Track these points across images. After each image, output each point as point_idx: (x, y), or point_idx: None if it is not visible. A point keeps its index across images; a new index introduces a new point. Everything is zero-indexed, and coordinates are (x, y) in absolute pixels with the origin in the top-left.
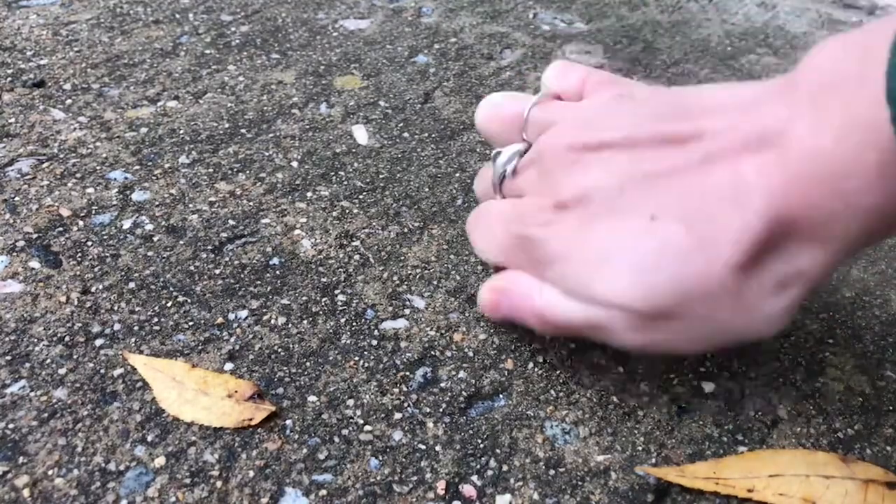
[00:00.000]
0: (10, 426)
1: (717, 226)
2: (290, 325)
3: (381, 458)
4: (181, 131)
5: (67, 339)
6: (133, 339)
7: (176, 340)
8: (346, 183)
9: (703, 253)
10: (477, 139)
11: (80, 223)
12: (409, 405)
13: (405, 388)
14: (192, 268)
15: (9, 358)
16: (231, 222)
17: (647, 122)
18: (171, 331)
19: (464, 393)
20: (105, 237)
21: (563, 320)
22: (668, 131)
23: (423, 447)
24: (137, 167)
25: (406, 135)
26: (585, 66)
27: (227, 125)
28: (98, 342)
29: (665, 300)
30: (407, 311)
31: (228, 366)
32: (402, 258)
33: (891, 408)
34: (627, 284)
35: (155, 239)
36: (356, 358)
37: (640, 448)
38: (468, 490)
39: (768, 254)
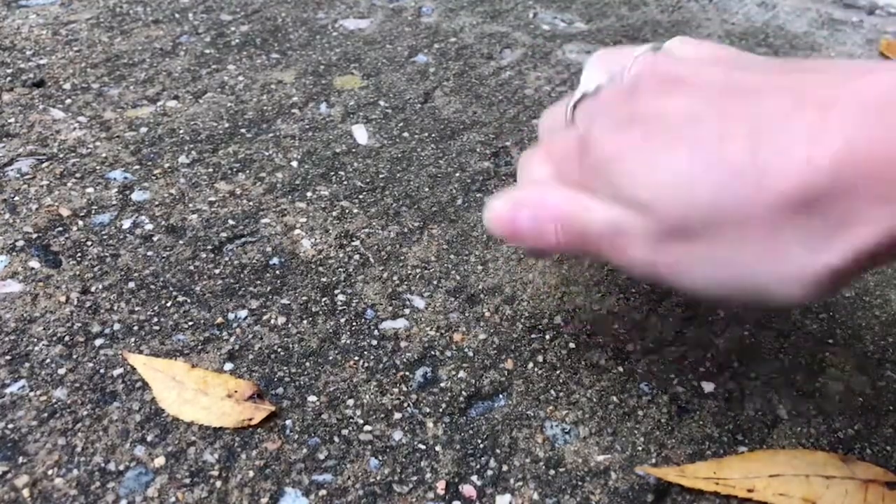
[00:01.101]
0: (10, 426)
1: (782, 157)
2: (289, 325)
3: (381, 458)
4: (181, 131)
5: (67, 338)
6: (133, 339)
7: (176, 340)
8: (346, 183)
9: (757, 177)
10: (477, 139)
11: (80, 223)
12: (409, 405)
13: (405, 388)
14: (191, 268)
15: (8, 358)
16: (231, 222)
17: (743, 70)
18: (171, 331)
19: (464, 393)
20: (105, 237)
21: (584, 223)
22: (762, 78)
23: (423, 447)
24: (137, 167)
25: (406, 135)
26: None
27: (226, 125)
28: (98, 342)
29: (701, 212)
30: (407, 311)
31: (228, 366)
32: (402, 258)
33: (891, 408)
34: (670, 187)
35: (155, 239)
36: (356, 358)
37: (640, 448)
38: (468, 490)
39: (826, 204)
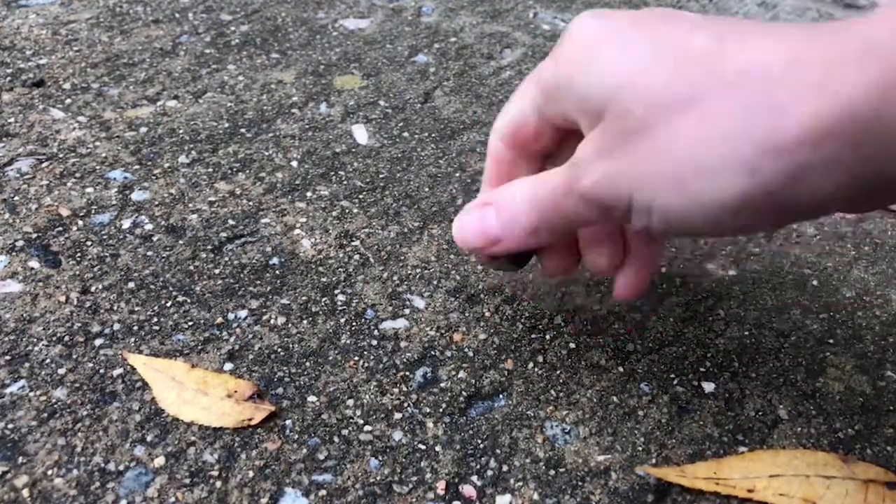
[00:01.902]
0: (10, 426)
1: (740, 44)
2: (289, 325)
3: (381, 458)
4: (181, 131)
5: (67, 338)
6: (133, 339)
7: (175, 340)
8: (346, 183)
9: (717, 59)
10: (477, 139)
11: (80, 223)
12: (409, 405)
13: (405, 388)
14: (191, 268)
15: (8, 358)
16: (231, 222)
17: None
18: (171, 331)
19: (464, 393)
20: (105, 237)
21: (546, 190)
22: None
23: (423, 447)
24: (137, 167)
25: (406, 134)
26: None
27: (226, 125)
28: (97, 342)
29: (655, 98)
30: (407, 311)
31: (228, 366)
32: (402, 258)
33: (891, 408)
34: (626, 82)
35: (154, 239)
36: (356, 358)
37: (640, 448)
38: (468, 490)
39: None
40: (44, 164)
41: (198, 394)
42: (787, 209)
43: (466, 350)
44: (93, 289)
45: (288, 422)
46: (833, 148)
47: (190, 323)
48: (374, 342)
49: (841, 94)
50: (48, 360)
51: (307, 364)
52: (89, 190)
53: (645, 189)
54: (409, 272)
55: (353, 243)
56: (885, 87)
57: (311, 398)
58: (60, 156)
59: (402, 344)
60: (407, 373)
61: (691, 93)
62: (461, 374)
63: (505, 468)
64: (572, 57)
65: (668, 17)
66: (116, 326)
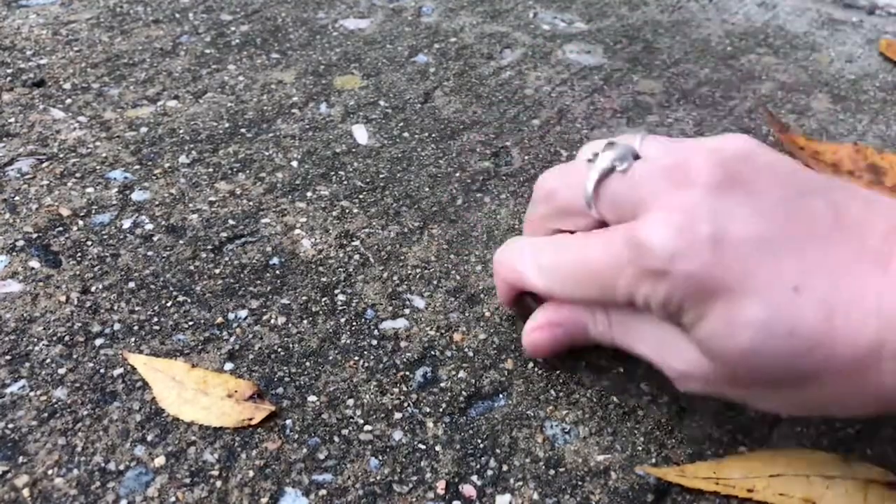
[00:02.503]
0: (10, 426)
1: (853, 320)
2: (289, 325)
3: (381, 457)
4: (181, 131)
5: (67, 338)
6: (133, 339)
7: (176, 340)
8: (346, 183)
9: (832, 343)
10: (477, 139)
11: (80, 223)
12: (409, 405)
13: (405, 388)
14: (191, 267)
15: (8, 358)
16: (231, 222)
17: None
18: (171, 330)
19: (464, 393)
20: (105, 237)
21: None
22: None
23: (423, 447)
24: (137, 167)
25: (406, 134)
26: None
27: (227, 125)
28: (98, 342)
29: (775, 374)
30: (407, 311)
31: (228, 366)
32: (402, 258)
33: None
34: (743, 347)
35: (155, 239)
36: (356, 358)
37: (640, 448)
38: (468, 490)
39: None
40: (44, 164)
41: (198, 394)
42: None
43: (466, 350)
44: (93, 289)
45: (288, 421)
46: None
47: (190, 323)
48: (374, 342)
49: None
50: (48, 360)
51: (307, 364)
52: (89, 190)
53: (757, 407)
54: (409, 272)
55: (353, 243)
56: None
57: (312, 398)
58: (61, 156)
59: (402, 344)
60: (407, 373)
61: (811, 375)
62: (461, 374)
63: (505, 468)
64: (687, 290)
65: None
66: (117, 326)
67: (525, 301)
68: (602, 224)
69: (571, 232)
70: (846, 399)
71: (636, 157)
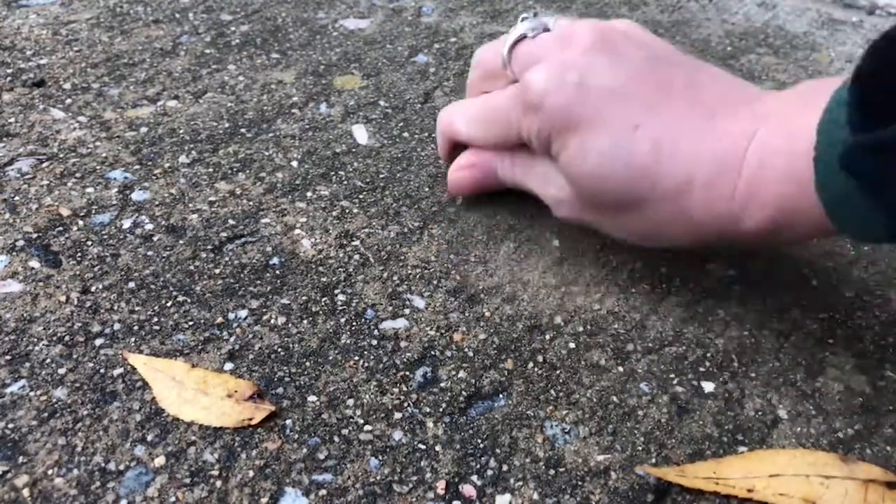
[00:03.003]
0: (10, 426)
1: (676, 158)
2: (290, 325)
3: (381, 457)
4: (181, 131)
5: (67, 338)
6: (133, 339)
7: (176, 340)
8: (346, 183)
9: (658, 176)
10: None
11: (80, 223)
12: (409, 405)
13: (405, 388)
14: (191, 267)
15: (8, 357)
16: (231, 222)
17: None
18: (171, 330)
19: (464, 393)
20: (105, 237)
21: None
22: (674, 72)
23: (423, 447)
24: (137, 167)
25: (406, 134)
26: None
27: (227, 125)
28: (98, 342)
29: (612, 197)
30: (407, 311)
31: (228, 366)
32: (402, 258)
33: (891, 408)
34: (588, 175)
35: (155, 239)
36: (356, 358)
37: (640, 448)
38: (468, 490)
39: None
40: (44, 164)
41: (198, 394)
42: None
43: (466, 350)
44: (93, 289)
45: (288, 421)
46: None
47: (190, 323)
48: (374, 342)
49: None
50: (48, 360)
51: (307, 364)
52: (89, 190)
53: (608, 231)
54: (409, 272)
55: (353, 243)
56: (776, 222)
57: (311, 398)
58: (61, 156)
59: (402, 344)
60: (407, 373)
61: (641, 200)
62: (461, 374)
63: (505, 468)
64: (553, 122)
65: (624, 98)
66: (117, 326)
67: (455, 155)
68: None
69: None
70: (669, 223)
71: (547, 29)
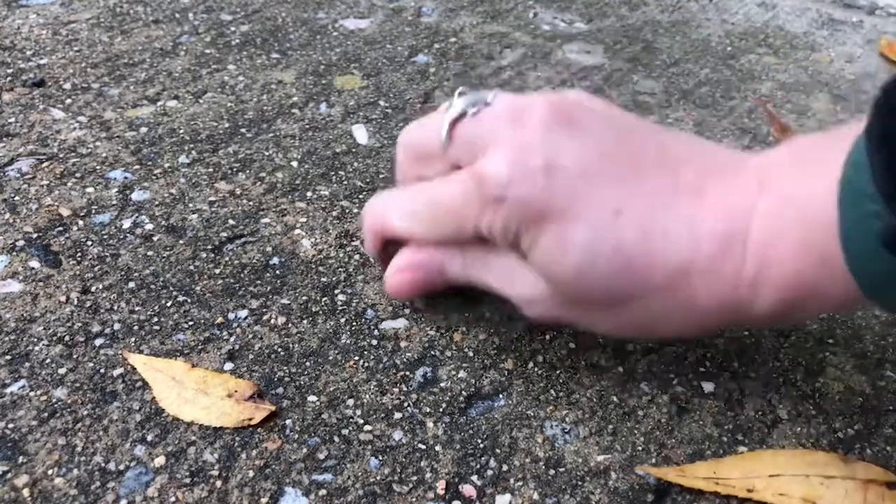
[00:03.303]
0: (10, 426)
1: (668, 240)
2: (289, 325)
3: (381, 457)
4: (181, 131)
5: (67, 338)
6: (133, 339)
7: (176, 340)
8: (346, 182)
9: (649, 261)
10: None
11: (80, 223)
12: (409, 405)
13: (405, 388)
14: (191, 267)
15: (8, 357)
16: (231, 222)
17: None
18: (171, 330)
19: (464, 393)
20: (105, 237)
21: (487, 287)
22: (641, 145)
23: (423, 447)
24: (137, 167)
25: None
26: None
27: (227, 125)
28: (98, 342)
29: (600, 293)
30: (407, 311)
31: (228, 365)
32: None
33: (891, 408)
34: (572, 268)
35: (155, 238)
36: (356, 358)
37: (640, 448)
38: (468, 490)
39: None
40: (44, 164)
41: (198, 393)
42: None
43: (466, 350)
44: (93, 289)
45: (288, 421)
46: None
47: (190, 323)
48: (374, 342)
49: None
50: (48, 360)
51: (307, 364)
52: (90, 190)
53: (590, 329)
54: None
55: (354, 243)
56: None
57: (311, 398)
58: (61, 156)
59: (402, 344)
60: (407, 373)
61: (631, 294)
62: (461, 374)
63: (505, 468)
64: (521, 215)
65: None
66: (117, 326)
67: (389, 250)
68: (458, 169)
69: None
70: (666, 316)
71: (488, 104)
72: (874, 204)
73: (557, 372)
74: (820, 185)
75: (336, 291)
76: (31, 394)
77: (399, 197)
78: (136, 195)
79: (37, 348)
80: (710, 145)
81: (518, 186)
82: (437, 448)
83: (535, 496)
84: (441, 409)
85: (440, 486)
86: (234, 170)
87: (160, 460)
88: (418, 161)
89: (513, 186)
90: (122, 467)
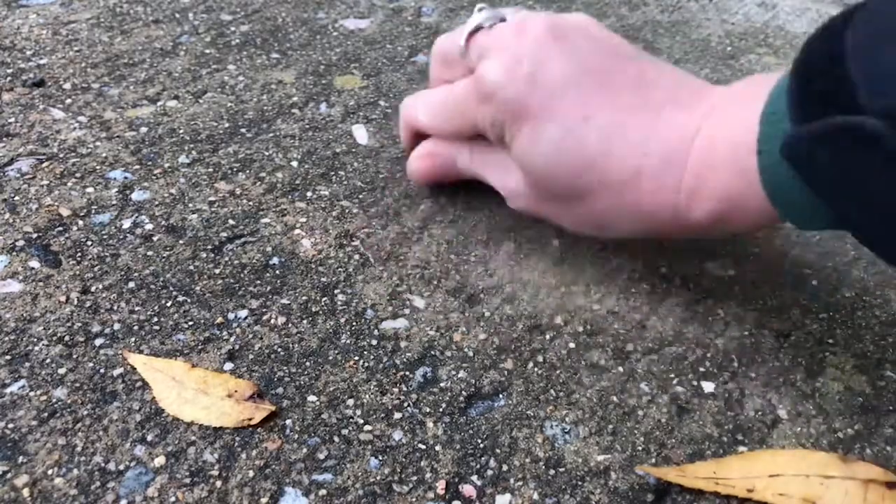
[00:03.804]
0: (10, 426)
1: (625, 149)
2: (289, 325)
3: (380, 457)
4: (181, 131)
5: (67, 338)
6: (133, 339)
7: (176, 340)
8: (346, 183)
9: (605, 166)
10: None
11: (80, 223)
12: (409, 405)
13: (405, 388)
14: (191, 267)
15: (8, 357)
16: (231, 222)
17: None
18: (171, 330)
19: (464, 393)
20: (105, 237)
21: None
22: (624, 68)
23: (423, 447)
24: (137, 167)
25: None
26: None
27: (226, 125)
28: (98, 342)
29: (564, 187)
30: (407, 311)
31: (228, 365)
32: (402, 258)
33: (891, 408)
34: (541, 165)
35: (155, 238)
36: (356, 358)
37: (640, 448)
38: (468, 490)
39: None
40: (44, 164)
41: (198, 393)
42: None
43: (466, 350)
44: (93, 289)
45: (288, 421)
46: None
47: (190, 323)
48: (374, 342)
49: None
50: (48, 360)
51: (307, 364)
52: (89, 190)
53: (566, 224)
54: (409, 272)
55: (353, 243)
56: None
57: (311, 398)
58: (61, 156)
59: (402, 344)
60: (407, 373)
61: (590, 190)
62: (461, 374)
63: (505, 468)
64: (506, 112)
65: (582, 90)
66: (116, 326)
67: (418, 144)
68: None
69: None
70: (617, 215)
71: (503, 20)
72: (784, 123)
73: (557, 372)
74: (751, 110)
75: (336, 291)
76: (31, 394)
77: (426, 95)
78: (136, 195)
79: (37, 348)
80: (688, 76)
81: (505, 89)
82: (437, 448)
83: (535, 496)
84: (441, 409)
85: (440, 486)
86: (234, 170)
87: (160, 460)
88: (444, 66)
89: (501, 88)
90: (122, 467)
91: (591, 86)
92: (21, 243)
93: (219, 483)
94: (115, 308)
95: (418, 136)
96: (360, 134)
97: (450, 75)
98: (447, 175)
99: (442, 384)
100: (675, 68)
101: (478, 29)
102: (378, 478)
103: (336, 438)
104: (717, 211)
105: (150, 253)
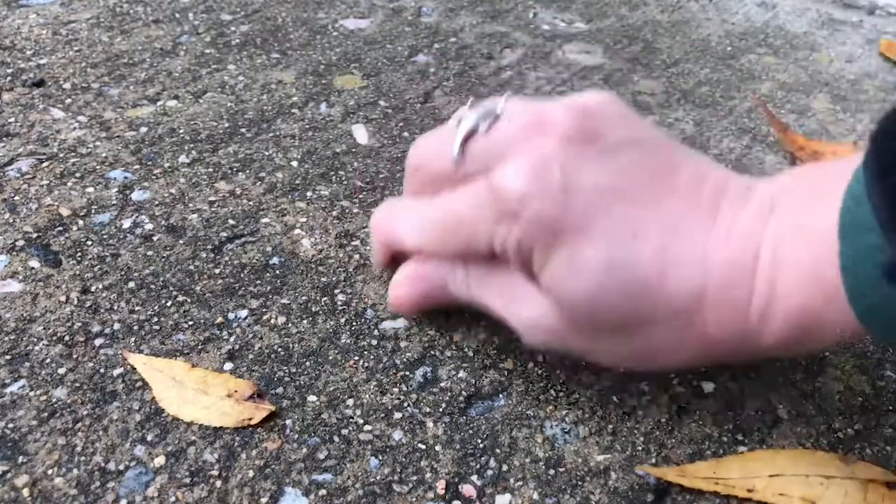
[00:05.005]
0: (10, 426)
1: (683, 266)
2: (289, 325)
3: (380, 457)
4: (181, 131)
5: (67, 338)
6: (133, 339)
7: (176, 340)
8: (346, 182)
9: (663, 287)
10: None
11: (80, 222)
12: (408, 405)
13: (405, 388)
14: (191, 267)
15: (8, 357)
16: (231, 222)
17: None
18: (171, 330)
19: (464, 393)
20: (105, 237)
21: (496, 314)
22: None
23: (423, 447)
24: (137, 167)
25: (406, 134)
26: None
27: (226, 125)
28: (98, 342)
29: (613, 317)
30: None
31: (228, 365)
32: (402, 258)
33: (891, 408)
34: (583, 291)
35: (155, 238)
36: (356, 357)
37: (640, 448)
38: (468, 490)
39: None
40: (44, 164)
41: (198, 393)
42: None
43: (466, 350)
44: (93, 288)
45: (288, 421)
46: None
47: (190, 323)
48: (374, 342)
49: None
50: (48, 360)
51: (307, 364)
52: (89, 190)
53: (598, 359)
54: None
55: (354, 243)
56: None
57: (311, 398)
58: (61, 156)
59: (402, 344)
60: (407, 372)
61: (643, 321)
62: (461, 374)
63: (505, 468)
64: (537, 232)
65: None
66: (117, 326)
67: (399, 263)
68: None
69: None
70: (674, 346)
71: (498, 116)
72: (873, 236)
73: (557, 372)
74: (820, 219)
75: (336, 291)
76: (31, 394)
77: (411, 209)
78: (136, 195)
79: (37, 348)
80: (721, 167)
81: (535, 202)
82: (437, 448)
83: (535, 496)
84: (441, 409)
85: (440, 486)
86: (234, 170)
87: (160, 460)
88: (431, 182)
89: (530, 201)
90: (121, 467)
91: (635, 193)
92: (21, 243)
93: (219, 483)
94: (115, 308)
95: (396, 256)
96: (360, 134)
97: (434, 190)
98: (438, 302)
99: (442, 384)
100: (701, 156)
101: (473, 132)
102: (378, 478)
103: (336, 438)
104: (794, 335)
105: (150, 253)
